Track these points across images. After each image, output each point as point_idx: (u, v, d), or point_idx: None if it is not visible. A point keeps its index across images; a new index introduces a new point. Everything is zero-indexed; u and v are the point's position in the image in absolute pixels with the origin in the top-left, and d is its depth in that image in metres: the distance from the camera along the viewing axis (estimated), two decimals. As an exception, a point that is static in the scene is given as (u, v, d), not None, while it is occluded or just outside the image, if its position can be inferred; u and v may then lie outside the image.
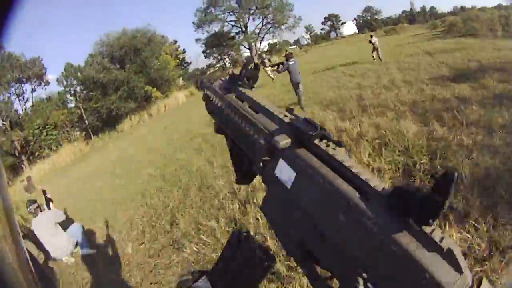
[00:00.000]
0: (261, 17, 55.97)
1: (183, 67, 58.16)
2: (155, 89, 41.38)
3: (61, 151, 32.72)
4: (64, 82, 42.21)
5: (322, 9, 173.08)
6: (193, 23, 55.57)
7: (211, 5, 53.66)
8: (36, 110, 38.99)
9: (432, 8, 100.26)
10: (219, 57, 65.65)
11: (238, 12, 54.09)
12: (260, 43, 59.02)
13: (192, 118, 20.08)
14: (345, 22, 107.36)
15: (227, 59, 68.76)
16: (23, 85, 42.10)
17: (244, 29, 56.61)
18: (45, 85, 44.07)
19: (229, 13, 55.08)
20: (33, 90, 42.72)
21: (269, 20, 55.96)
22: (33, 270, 0.79)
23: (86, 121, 39.41)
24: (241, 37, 56.95)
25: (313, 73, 22.65)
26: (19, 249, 0.77)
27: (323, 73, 22.27)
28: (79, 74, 41.25)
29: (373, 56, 22.34)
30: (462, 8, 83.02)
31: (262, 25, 56.66)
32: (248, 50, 57.77)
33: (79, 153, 31.47)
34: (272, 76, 24.04)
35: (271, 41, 62.42)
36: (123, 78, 39.53)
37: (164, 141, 17.68)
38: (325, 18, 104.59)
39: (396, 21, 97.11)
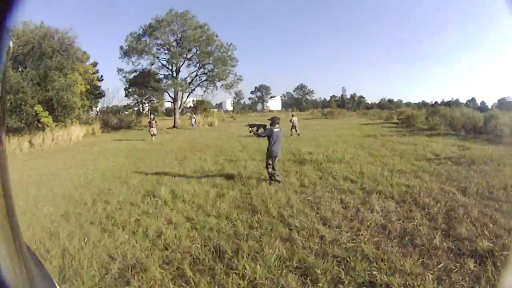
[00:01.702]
0: (198, 64, 48.46)
1: (93, 97, 48.78)
2: (46, 112, 32.44)
3: None
4: None
5: (252, 77, 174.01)
6: (121, 48, 46.48)
7: (147, 33, 45.18)
8: None
9: (360, 97, 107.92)
10: (139, 99, 58.26)
11: (174, 51, 46.01)
12: (188, 95, 51.43)
13: (71, 180, 14.27)
14: (274, 96, 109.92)
15: (146, 105, 62.68)
16: None
17: (175, 73, 48.13)
18: None
19: (164, 49, 46.83)
20: None
21: (206, 71, 49.12)
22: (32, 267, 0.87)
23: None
24: (168, 82, 48.55)
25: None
26: (19, 248, 0.82)
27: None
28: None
29: (291, 133, 27.21)
30: (389, 101, 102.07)
31: (197, 75, 49.21)
32: (171, 100, 50.03)
33: None
34: (153, 134, 29.90)
35: (196, 98, 56.79)
36: (13, 84, 30.29)
37: None
38: (255, 87, 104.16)
39: (326, 104, 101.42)
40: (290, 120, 28.00)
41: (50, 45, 32.61)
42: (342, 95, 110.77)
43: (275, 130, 11.12)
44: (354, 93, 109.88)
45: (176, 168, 15.14)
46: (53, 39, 33.35)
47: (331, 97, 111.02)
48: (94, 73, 47.90)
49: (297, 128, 27.49)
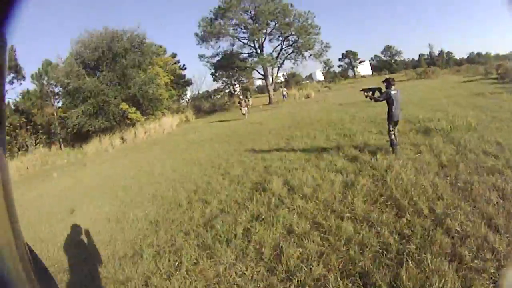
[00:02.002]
0: (281, 37, 45.29)
1: (179, 87, 48.16)
2: (133, 109, 32.20)
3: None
4: (37, 83, 38.49)
5: (336, 45, 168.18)
6: (196, 34, 44.71)
7: (219, 16, 42.99)
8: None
9: (449, 52, 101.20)
10: (228, 82, 56.73)
11: (252, 27, 43.04)
12: (278, 69, 47.89)
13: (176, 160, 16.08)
14: (363, 61, 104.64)
15: (237, 86, 60.90)
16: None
17: (259, 50, 45.23)
18: (20, 80, 38.36)
19: (241, 28, 44.13)
20: (11, 83, 37.55)
21: (290, 42, 45.64)
22: (32, 267, 0.85)
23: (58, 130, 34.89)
24: (255, 60, 45.32)
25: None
26: (19, 246, 0.81)
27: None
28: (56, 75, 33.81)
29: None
30: (478, 54, 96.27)
31: (282, 48, 45.87)
32: (262, 77, 47.09)
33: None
34: (244, 113, 29.85)
35: (286, 72, 54.48)
36: (92, 89, 30.67)
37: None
38: (342, 54, 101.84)
39: (415, 64, 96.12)
40: (383, 81, 24.23)
41: (121, 46, 32.39)
42: (430, 52, 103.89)
43: (392, 92, 9.91)
44: (442, 49, 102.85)
45: (284, 151, 12.90)
46: (123, 41, 33.08)
47: (419, 55, 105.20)
48: (175, 63, 46.98)
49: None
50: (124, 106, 31.34)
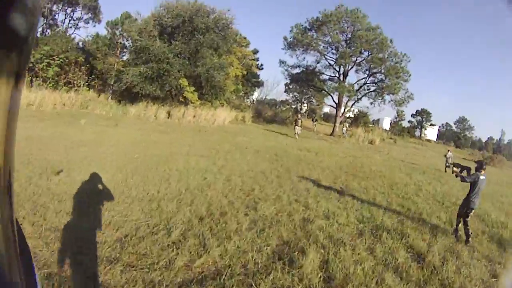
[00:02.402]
0: (368, 71, 42.16)
1: (249, 85, 46.70)
2: (192, 88, 30.64)
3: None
4: (110, 30, 39.90)
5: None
6: (285, 39, 42.27)
7: (314, 27, 40.46)
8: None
9: None
10: (298, 97, 54.80)
11: (344, 51, 40.23)
12: (354, 103, 44.78)
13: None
14: (434, 124, 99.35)
15: (305, 104, 59.62)
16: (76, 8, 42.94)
17: (342, 77, 42.30)
18: (95, 22, 43.69)
19: (332, 48, 41.58)
20: (86, 22, 43.24)
21: (376, 80, 42.56)
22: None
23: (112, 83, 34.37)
24: (334, 85, 42.16)
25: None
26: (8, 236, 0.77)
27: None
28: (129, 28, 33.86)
29: (445, 170, 23.61)
30: None
31: (365, 83, 42.85)
32: (334, 105, 43.87)
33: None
34: (297, 132, 30.18)
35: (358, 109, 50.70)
36: (158, 53, 29.27)
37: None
38: (416, 111, 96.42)
39: (481, 145, 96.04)
40: (445, 155, 24.96)
41: (204, 22, 30.91)
42: (500, 138, 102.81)
43: (481, 177, 9.02)
44: None
45: (334, 202, 10.39)
46: (208, 18, 31.62)
47: (488, 138, 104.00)
48: (253, 59, 44.93)
49: (448, 164, 23.34)
50: (184, 82, 29.89)
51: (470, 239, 8.64)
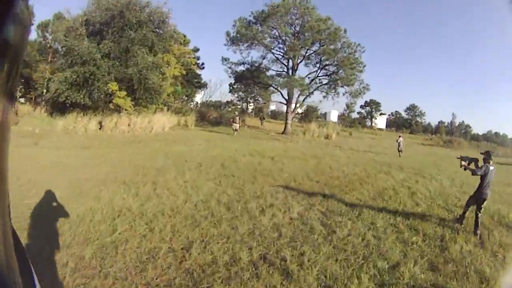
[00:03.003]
0: (318, 64, 39.62)
1: (191, 86, 43.14)
2: (123, 93, 26.52)
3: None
4: (40, 33, 37.68)
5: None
6: (227, 34, 39.47)
7: (259, 21, 37.64)
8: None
9: (467, 126, 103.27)
10: (244, 96, 52.97)
11: (293, 42, 37.16)
12: (305, 98, 41.92)
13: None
14: (384, 114, 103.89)
15: (251, 104, 58.37)
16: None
17: (291, 71, 39.48)
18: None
19: (279, 41, 38.82)
20: None
21: (328, 72, 40.03)
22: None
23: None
24: (284, 80, 38.85)
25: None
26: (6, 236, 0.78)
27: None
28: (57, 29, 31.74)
29: (399, 154, 26.70)
30: (496, 134, 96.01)
31: (317, 76, 40.18)
32: (284, 102, 40.84)
33: None
34: (235, 129, 31.70)
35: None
36: (83, 54, 25.40)
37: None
38: (365, 102, 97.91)
39: (434, 130, 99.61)
40: (397, 141, 27.64)
41: (136, 16, 27.19)
42: (451, 121, 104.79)
43: (491, 167, 8.64)
44: (463, 121, 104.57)
45: (326, 245, 6.82)
46: (141, 12, 27.95)
47: (439, 122, 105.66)
48: (193, 58, 41.04)
49: (400, 149, 27.08)
50: (112, 86, 25.75)
51: (478, 230, 8.47)
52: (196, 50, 43.30)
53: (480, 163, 9.01)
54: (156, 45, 28.72)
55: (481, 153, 9.33)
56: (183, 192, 9.97)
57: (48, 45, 35.45)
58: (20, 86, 30.24)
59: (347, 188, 12.12)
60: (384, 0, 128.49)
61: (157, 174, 12.01)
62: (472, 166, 9.16)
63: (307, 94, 40.52)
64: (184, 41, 38.68)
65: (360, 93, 39.94)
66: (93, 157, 14.79)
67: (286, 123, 39.84)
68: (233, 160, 16.24)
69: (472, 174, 8.88)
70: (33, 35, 45.83)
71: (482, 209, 8.80)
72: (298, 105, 41.74)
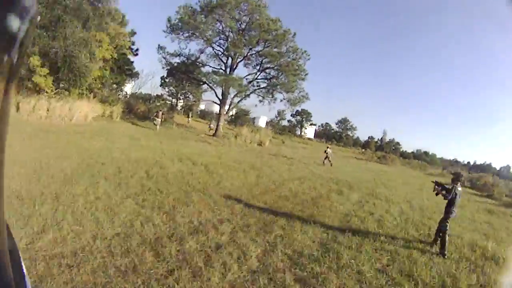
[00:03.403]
0: (258, 66, 37.83)
1: (120, 72, 39.70)
2: (45, 70, 22.98)
3: None
4: None
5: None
6: (168, 20, 36.25)
7: (205, 11, 34.82)
8: None
9: (397, 143, 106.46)
10: (174, 92, 52.18)
11: (238, 38, 35.16)
12: (240, 100, 39.82)
13: None
14: (315, 124, 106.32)
15: (181, 100, 56.54)
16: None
17: (228, 70, 37.38)
18: None
19: (221, 37, 36.55)
20: None
21: (268, 76, 38.38)
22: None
23: None
24: (221, 78, 36.06)
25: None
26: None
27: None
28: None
29: (323, 163, 28.52)
30: (426, 153, 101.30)
31: (255, 79, 38.40)
32: (218, 101, 38.27)
33: None
34: (157, 124, 31.39)
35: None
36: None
37: None
38: (296, 111, 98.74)
39: (365, 144, 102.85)
40: (325, 151, 29.73)
41: None
42: (382, 137, 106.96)
43: (459, 189, 9.29)
44: (393, 138, 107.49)
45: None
46: None
47: (369, 137, 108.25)
48: (128, 41, 37.57)
49: (330, 160, 29.10)
50: (34, 60, 22.14)
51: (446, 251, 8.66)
52: (133, 34, 39.79)
53: (450, 185, 9.33)
54: (91, 20, 25.52)
55: (451, 173, 10.22)
56: (93, 217, 7.04)
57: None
58: None
59: (304, 214, 10.21)
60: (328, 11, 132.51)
61: (62, 183, 9.01)
62: (443, 192, 9.41)
63: (243, 96, 38.58)
64: (122, 21, 35.18)
65: (299, 101, 38.45)
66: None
67: (217, 125, 37.63)
68: (160, 166, 13.73)
69: (444, 199, 9.27)
70: None
71: (448, 228, 9.10)
72: (232, 106, 39.58)
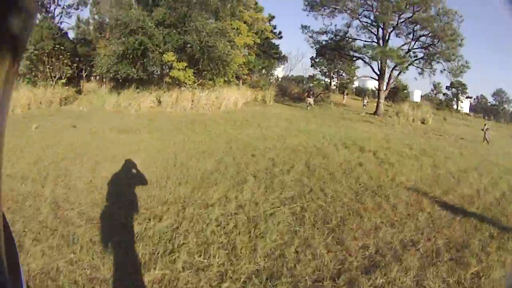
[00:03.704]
0: (411, 35, 33.57)
1: (267, 57, 39.57)
2: (183, 64, 22.87)
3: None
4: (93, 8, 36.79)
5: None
6: (305, -1, 33.64)
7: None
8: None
9: None
10: (326, 72, 49.16)
11: (384, 5, 31.01)
12: (399, 73, 35.26)
13: None
14: (471, 97, 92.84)
15: (334, 79, 53.51)
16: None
17: (382, 42, 33.48)
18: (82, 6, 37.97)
19: (365, 7, 32.96)
20: (76, 8, 37.45)
21: (423, 44, 33.94)
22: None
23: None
24: (377, 51, 32.41)
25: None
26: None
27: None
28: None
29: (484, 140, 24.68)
30: None
31: (411, 49, 34.10)
32: (376, 76, 34.91)
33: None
34: (310, 103, 30.59)
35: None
36: (131, 22, 22.11)
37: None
38: (451, 83, 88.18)
39: None
40: (482, 129, 25.73)
41: None
42: None
43: None
44: None
45: None
46: None
47: None
48: (271, 26, 37.66)
49: (488, 139, 24.98)
50: (168, 56, 22.22)
51: None
52: (271, 17, 39.31)
53: None
54: (221, 10, 25.07)
55: None
56: (221, 245, 5.12)
57: (98, 21, 35.22)
58: (86, 64, 28.41)
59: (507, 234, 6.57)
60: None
61: (191, 192, 7.23)
62: None
63: (403, 68, 34.39)
64: (256, 8, 34.60)
65: (461, 71, 33.48)
66: (124, 146, 11.16)
67: (378, 102, 34.33)
68: (322, 155, 11.68)
69: None
70: (86, 13, 47.88)
71: None
72: (392, 80, 35.69)
